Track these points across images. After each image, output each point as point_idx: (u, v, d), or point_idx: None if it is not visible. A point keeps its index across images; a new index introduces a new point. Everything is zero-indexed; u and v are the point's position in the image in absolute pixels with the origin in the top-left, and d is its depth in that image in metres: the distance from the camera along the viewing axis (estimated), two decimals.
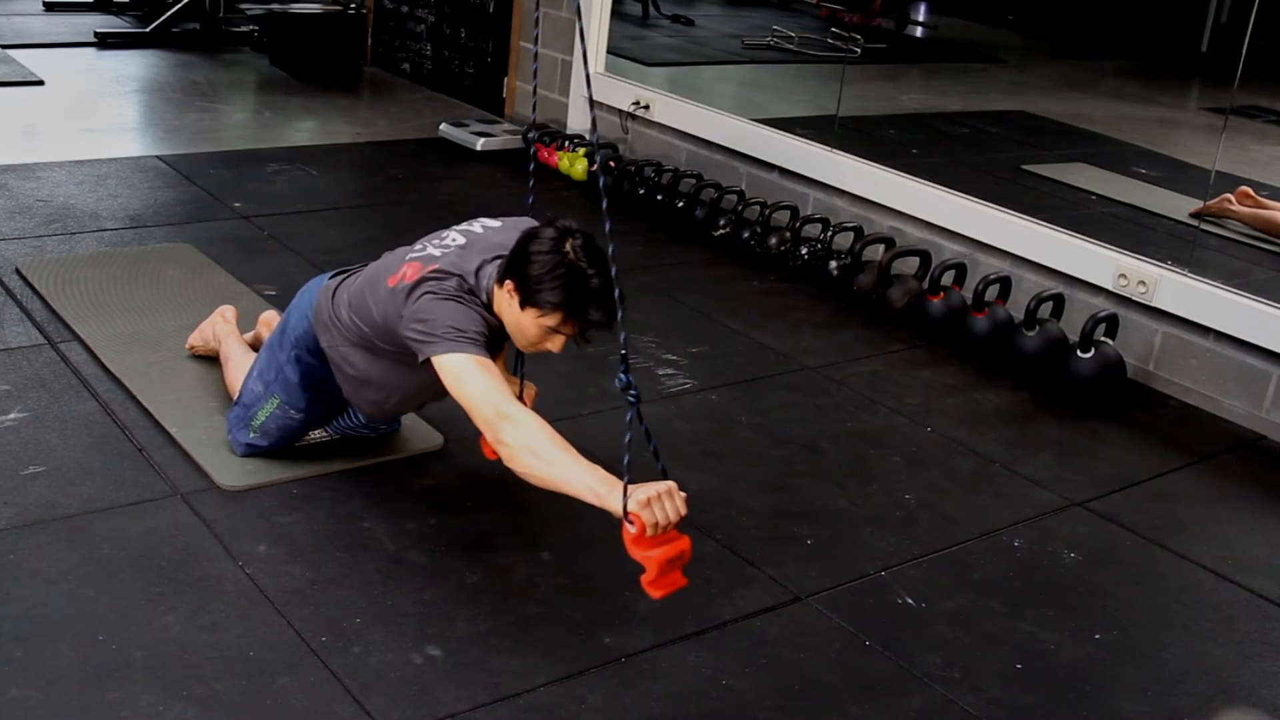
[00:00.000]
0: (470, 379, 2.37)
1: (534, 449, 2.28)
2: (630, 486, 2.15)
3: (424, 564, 2.64)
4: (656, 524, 2.14)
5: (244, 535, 2.67)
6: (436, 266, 2.53)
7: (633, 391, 2.22)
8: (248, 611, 2.43)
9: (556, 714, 2.26)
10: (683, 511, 2.17)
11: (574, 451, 2.28)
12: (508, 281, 2.45)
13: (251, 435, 2.91)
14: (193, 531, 2.66)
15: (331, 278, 2.85)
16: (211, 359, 3.33)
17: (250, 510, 2.76)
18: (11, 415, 3.02)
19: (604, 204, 2.20)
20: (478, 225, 2.71)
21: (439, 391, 2.53)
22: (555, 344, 2.49)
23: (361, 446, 3.04)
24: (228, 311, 3.34)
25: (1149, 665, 2.60)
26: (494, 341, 2.54)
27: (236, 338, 3.24)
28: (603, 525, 2.85)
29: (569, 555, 2.73)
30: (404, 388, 2.75)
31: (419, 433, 3.15)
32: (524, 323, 2.45)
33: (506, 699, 2.28)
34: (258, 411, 2.89)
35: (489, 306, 2.52)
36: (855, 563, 2.84)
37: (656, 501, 2.14)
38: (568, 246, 2.39)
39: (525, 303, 2.42)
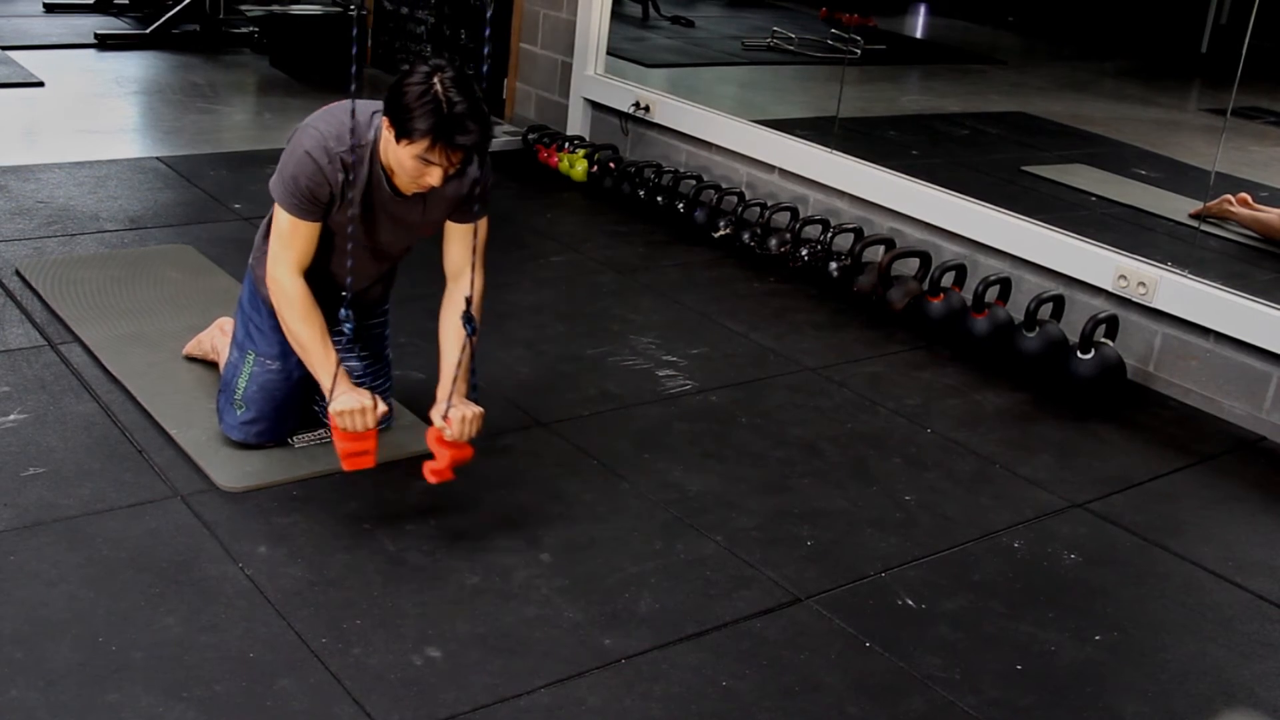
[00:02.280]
0: (277, 236, 2.73)
1: (287, 322, 2.72)
2: (342, 389, 2.64)
3: (424, 565, 2.64)
4: (345, 428, 2.64)
5: (244, 536, 2.67)
6: (335, 105, 2.71)
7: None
8: (248, 613, 2.43)
9: (556, 715, 2.26)
10: (370, 426, 2.65)
11: (317, 335, 2.69)
12: (385, 118, 2.58)
13: (239, 411, 2.92)
14: (193, 533, 2.66)
15: None
16: (209, 363, 3.33)
17: (250, 511, 2.76)
18: (11, 417, 3.02)
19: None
20: None
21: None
22: (434, 176, 2.58)
23: None
24: (227, 324, 3.33)
25: (1149, 666, 2.60)
26: (371, 195, 2.70)
27: None
28: (603, 527, 2.86)
29: (569, 557, 2.73)
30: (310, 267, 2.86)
31: (419, 434, 3.15)
32: (400, 155, 2.56)
33: (506, 700, 2.28)
34: (238, 380, 2.93)
35: (374, 151, 2.66)
36: (855, 564, 2.84)
37: (349, 414, 2.62)
38: (435, 79, 2.50)
39: (399, 134, 2.54)
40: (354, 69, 2.67)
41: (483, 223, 2.82)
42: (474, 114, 2.51)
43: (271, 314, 2.89)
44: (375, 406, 2.64)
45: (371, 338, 3.06)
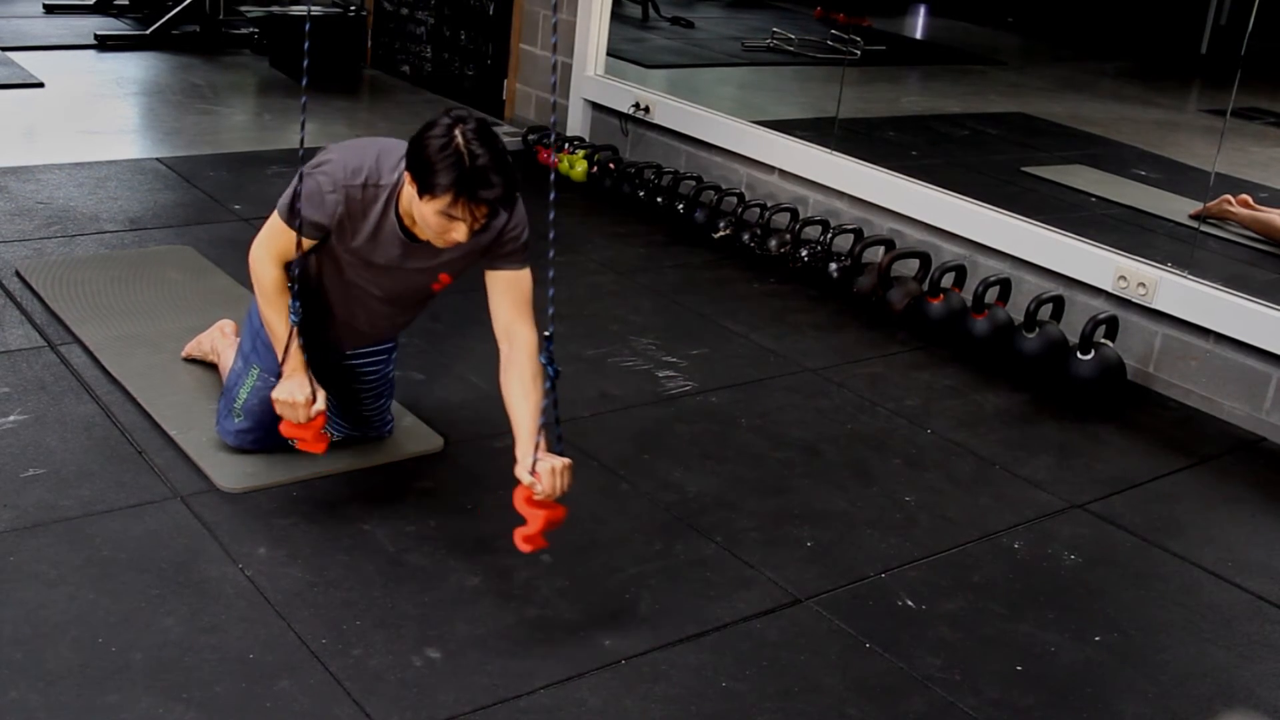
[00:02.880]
0: (265, 229, 2.74)
1: (257, 295, 2.77)
2: (288, 371, 2.68)
3: (424, 566, 2.64)
4: (279, 401, 2.66)
5: (244, 537, 2.67)
6: (369, 140, 2.71)
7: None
8: (247, 614, 2.43)
9: (556, 716, 2.26)
10: (301, 420, 2.67)
11: (278, 318, 2.71)
12: (407, 173, 2.52)
13: (236, 420, 2.92)
14: (193, 534, 2.66)
15: None
16: (209, 364, 3.33)
17: (250, 512, 2.76)
18: (11, 418, 3.02)
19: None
20: None
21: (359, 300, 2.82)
22: (459, 232, 2.50)
23: (361, 449, 3.04)
24: (227, 326, 3.34)
25: (1149, 667, 2.60)
26: (387, 240, 2.67)
27: (235, 347, 3.24)
28: (603, 529, 2.86)
29: (569, 558, 2.73)
30: (331, 287, 2.84)
31: (419, 435, 3.15)
32: (424, 212, 2.50)
33: (506, 701, 2.28)
34: (239, 390, 2.92)
35: (395, 197, 2.62)
36: (855, 565, 2.84)
37: (283, 405, 2.66)
38: (456, 131, 2.44)
39: (421, 190, 2.48)
40: (307, 67, 2.64)
41: (526, 275, 2.71)
42: (498, 167, 2.44)
43: None
44: (310, 403, 2.67)
45: (367, 375, 3.04)
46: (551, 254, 2.37)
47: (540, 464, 2.42)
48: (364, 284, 2.78)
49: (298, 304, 2.68)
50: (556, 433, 2.49)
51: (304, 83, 2.63)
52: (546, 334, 2.41)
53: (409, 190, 2.53)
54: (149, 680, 2.21)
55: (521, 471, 2.45)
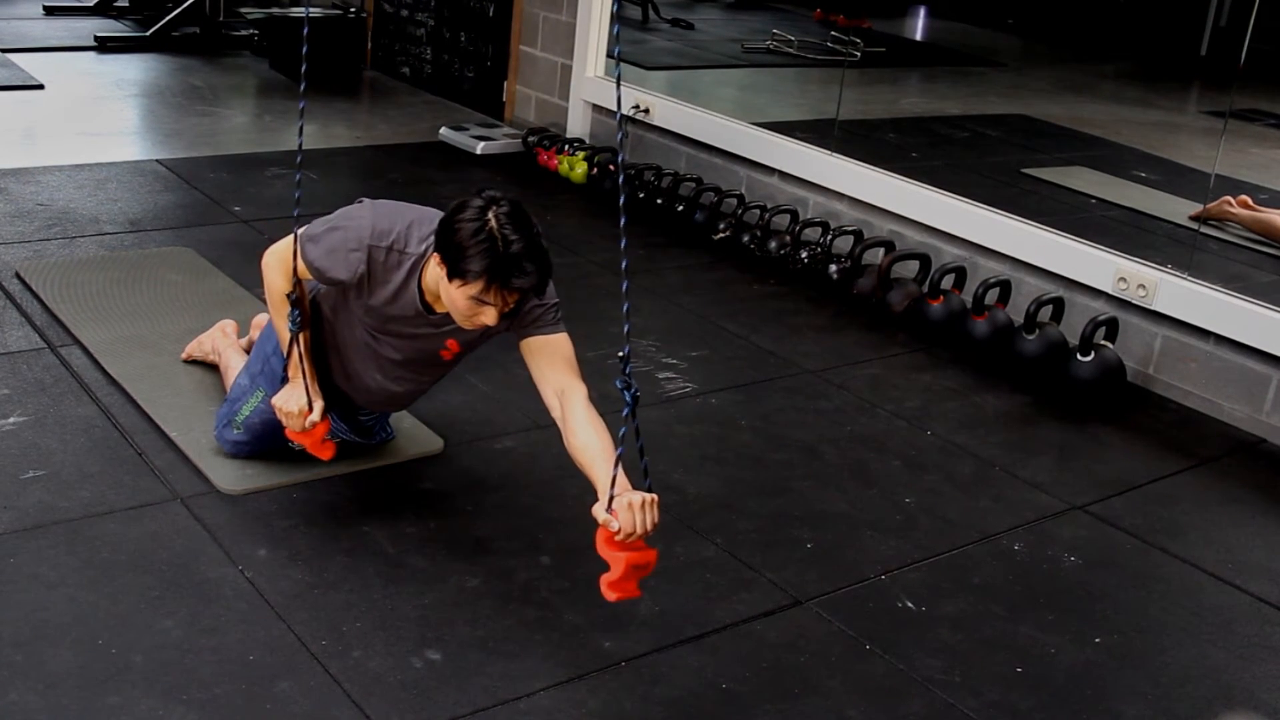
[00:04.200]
0: (284, 243, 2.69)
1: (267, 294, 2.76)
2: (292, 372, 2.68)
3: (424, 568, 2.64)
4: (278, 407, 2.67)
5: (244, 539, 2.67)
6: (403, 207, 2.66)
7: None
8: (247, 615, 2.43)
9: (556, 718, 2.26)
10: (297, 429, 2.67)
11: (285, 325, 2.69)
12: (435, 254, 2.46)
13: (235, 432, 2.92)
14: (192, 535, 2.66)
15: None
16: (209, 365, 3.33)
17: (250, 514, 2.76)
18: (11, 419, 3.02)
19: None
20: None
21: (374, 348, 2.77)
22: (489, 316, 2.44)
23: (361, 450, 3.04)
24: (228, 326, 3.34)
25: (1149, 669, 2.60)
26: (404, 308, 2.61)
27: (236, 348, 3.24)
28: None
29: (569, 559, 2.73)
30: (349, 344, 2.80)
31: (418, 437, 3.15)
32: (453, 295, 2.44)
33: (506, 703, 2.28)
34: (242, 406, 2.91)
35: (413, 268, 2.56)
36: (855, 566, 2.84)
37: (282, 413, 2.67)
38: (490, 215, 2.37)
39: (451, 274, 2.41)
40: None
41: (564, 339, 2.59)
42: (531, 254, 2.37)
43: (287, 362, 2.85)
44: (305, 415, 2.66)
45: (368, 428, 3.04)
46: (625, 264, 2.10)
47: (618, 500, 2.15)
48: (374, 337, 2.74)
49: (296, 313, 2.67)
50: (642, 465, 2.17)
51: (303, 88, 2.60)
52: (620, 354, 2.15)
53: (435, 269, 2.46)
54: (149, 682, 2.21)
55: (599, 509, 2.17)
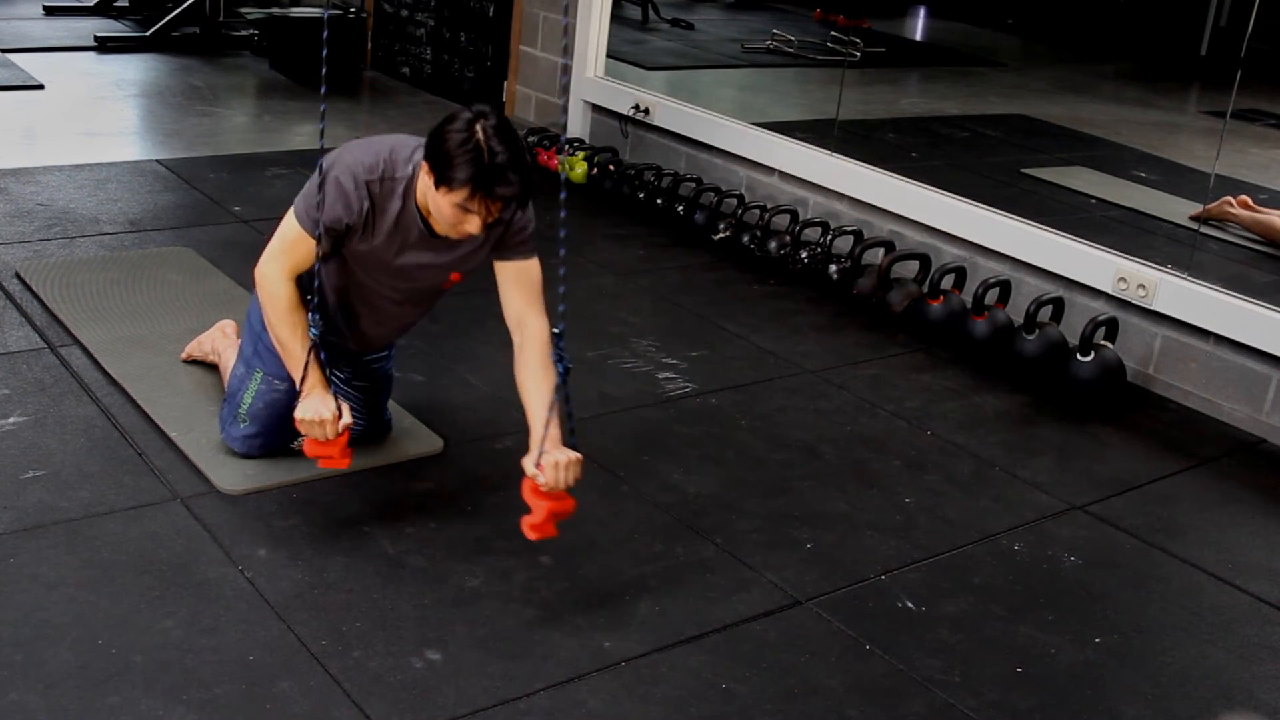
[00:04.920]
0: (279, 238, 2.70)
1: (269, 316, 2.71)
2: (307, 389, 2.65)
3: (424, 568, 2.64)
4: (303, 421, 2.62)
5: (244, 539, 2.67)
6: (381, 137, 2.70)
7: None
8: (247, 615, 2.43)
9: (556, 718, 2.26)
10: (330, 437, 2.64)
11: (295, 338, 2.67)
12: (424, 163, 2.54)
13: (242, 425, 2.91)
14: (192, 535, 2.66)
15: None
16: (210, 365, 3.33)
17: (250, 514, 2.76)
18: (11, 419, 3.02)
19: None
20: None
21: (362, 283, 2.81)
22: (472, 225, 2.53)
23: (361, 450, 3.04)
24: (228, 326, 3.34)
25: (1149, 669, 2.59)
26: (405, 231, 2.67)
27: (236, 349, 3.24)
28: (603, 530, 2.86)
29: (569, 559, 2.73)
30: (333, 285, 2.82)
31: (419, 436, 3.15)
32: (440, 203, 2.52)
33: (506, 703, 2.28)
34: (243, 395, 2.91)
35: (409, 187, 2.63)
36: (855, 566, 2.84)
37: (306, 424, 2.62)
38: (478, 126, 2.45)
39: (438, 182, 2.49)
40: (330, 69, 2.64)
41: (535, 264, 2.76)
42: (515, 165, 2.46)
43: None
44: (336, 419, 2.63)
45: (372, 372, 3.05)
46: (563, 252, 2.40)
47: (546, 457, 2.48)
48: (377, 286, 2.78)
49: (317, 316, 2.66)
50: (570, 427, 2.53)
51: (323, 90, 2.61)
52: (556, 330, 2.49)
53: (425, 180, 2.55)
54: (149, 682, 2.21)
55: (527, 463, 2.52)
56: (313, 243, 2.65)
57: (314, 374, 2.67)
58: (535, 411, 2.60)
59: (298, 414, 2.64)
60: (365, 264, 2.74)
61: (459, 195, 2.47)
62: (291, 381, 2.89)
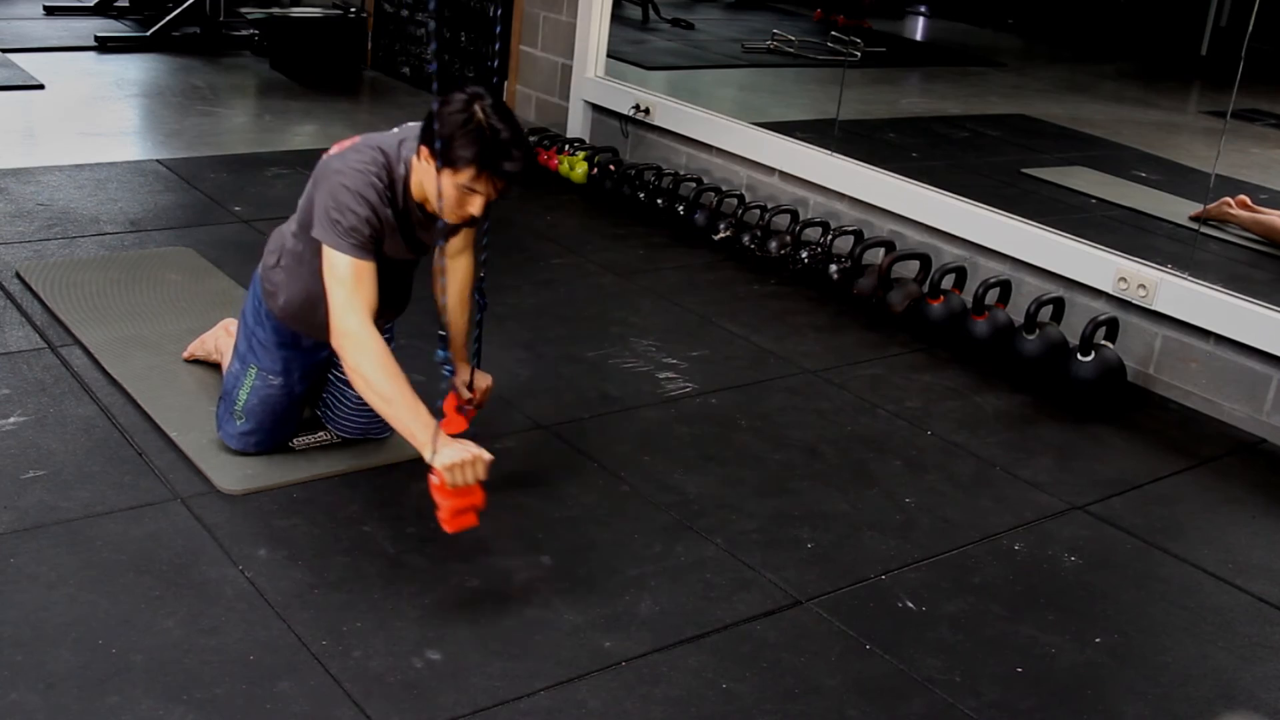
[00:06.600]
0: (338, 283, 2.54)
1: (368, 377, 2.46)
2: (443, 441, 2.40)
3: (424, 568, 2.64)
4: (455, 483, 2.41)
5: (244, 539, 2.67)
6: (359, 140, 2.67)
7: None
8: (248, 615, 2.43)
9: (556, 718, 2.26)
10: (482, 477, 2.42)
11: (404, 388, 2.46)
12: (422, 148, 2.53)
13: (238, 422, 2.91)
14: (193, 535, 2.66)
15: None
16: (212, 364, 3.33)
17: (250, 514, 2.76)
18: (11, 419, 3.02)
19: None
20: (415, 124, 2.78)
21: None
22: (475, 205, 2.52)
23: (362, 450, 3.04)
24: (231, 325, 3.33)
25: (1149, 669, 2.59)
26: (409, 228, 2.68)
27: None
28: (603, 529, 2.86)
29: (569, 559, 2.73)
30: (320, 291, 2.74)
31: None
32: (443, 186, 2.50)
33: (506, 703, 2.28)
34: (239, 392, 2.91)
35: (405, 183, 2.62)
36: (855, 566, 2.84)
37: (459, 468, 2.38)
38: (476, 107, 2.46)
39: (441, 163, 2.47)
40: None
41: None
42: (518, 141, 2.48)
43: (275, 330, 2.88)
44: (483, 454, 2.40)
45: None
46: (487, 225, 2.62)
47: (441, 454, 2.38)
48: (390, 273, 2.77)
49: (444, 354, 2.57)
50: (477, 350, 2.96)
51: (434, 75, 2.64)
52: (480, 275, 2.78)
53: (422, 166, 2.55)
54: (149, 682, 2.21)
55: (459, 383, 2.90)
56: (371, 263, 2.56)
57: (438, 426, 2.43)
58: (458, 333, 2.87)
59: (440, 462, 2.37)
60: (384, 261, 2.72)
61: (464, 175, 2.46)
62: (285, 376, 2.90)
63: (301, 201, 2.77)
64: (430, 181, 2.53)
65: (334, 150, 2.70)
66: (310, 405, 3.06)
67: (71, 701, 2.15)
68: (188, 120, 5.74)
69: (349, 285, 2.53)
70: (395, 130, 2.73)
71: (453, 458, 2.37)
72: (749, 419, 3.49)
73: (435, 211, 2.60)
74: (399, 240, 2.71)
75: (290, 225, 2.84)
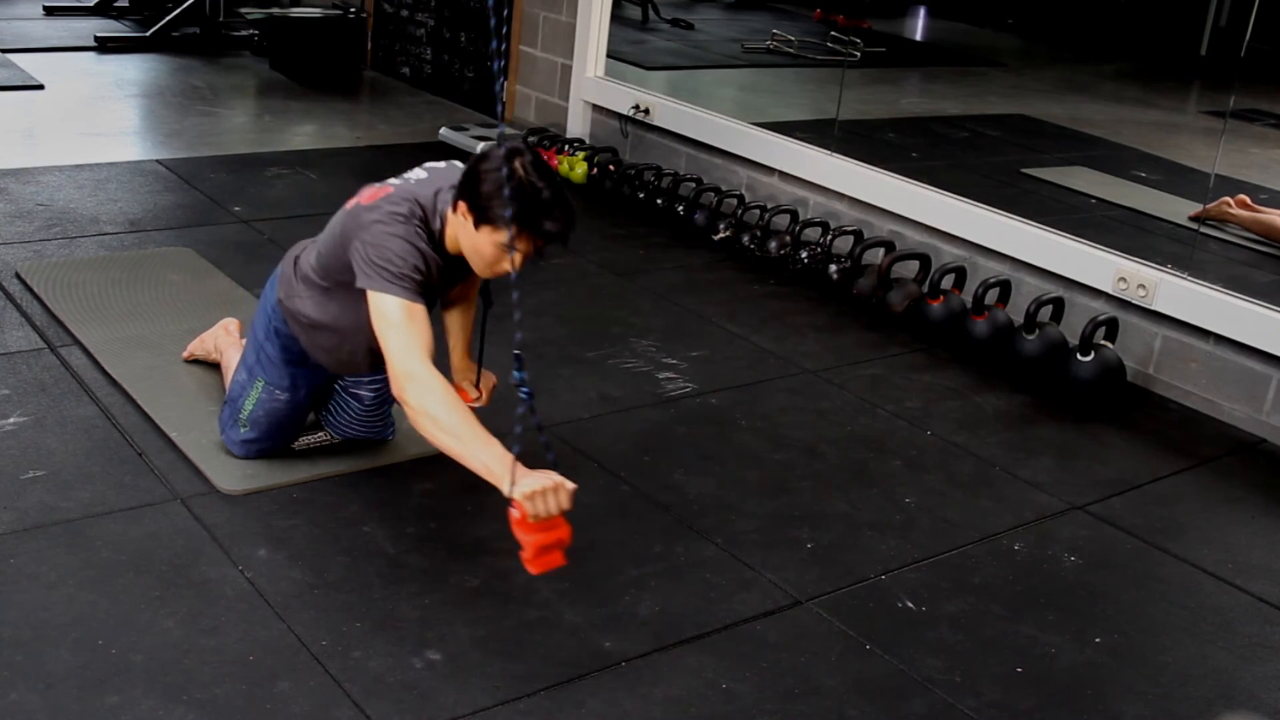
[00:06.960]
0: (392, 328, 2.45)
1: (435, 417, 2.35)
2: (521, 472, 2.24)
3: (424, 568, 2.64)
4: (537, 514, 2.24)
5: (244, 539, 2.67)
6: (393, 190, 2.62)
7: (524, 390, 2.27)
8: (248, 615, 2.43)
9: (556, 718, 2.26)
10: (565, 506, 2.25)
11: (473, 423, 2.34)
12: (460, 203, 2.49)
13: (242, 430, 2.91)
14: (193, 536, 2.66)
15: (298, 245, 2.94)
16: (211, 364, 3.33)
17: (250, 514, 2.76)
18: (11, 420, 3.02)
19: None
20: (440, 163, 2.77)
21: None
22: (512, 263, 2.43)
23: (362, 450, 3.04)
24: (231, 324, 3.34)
25: (1149, 669, 2.60)
26: (447, 277, 2.66)
27: (238, 346, 3.24)
28: (603, 529, 2.86)
29: (569, 559, 2.72)
30: (350, 327, 2.73)
31: (419, 437, 3.14)
32: (479, 243, 2.48)
33: (506, 703, 2.28)
34: (244, 402, 2.90)
35: (440, 236, 2.58)
36: (855, 566, 2.84)
37: (540, 496, 2.23)
38: (516, 164, 2.42)
39: (479, 221, 2.45)
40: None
41: None
42: (560, 200, 2.45)
43: (284, 348, 2.86)
44: (565, 483, 2.25)
45: (377, 379, 3.01)
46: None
47: (520, 485, 2.22)
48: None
49: (523, 374, 2.26)
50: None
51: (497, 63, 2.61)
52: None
53: (458, 221, 2.51)
54: (149, 682, 2.21)
55: (467, 386, 2.91)
56: (423, 306, 2.49)
57: (517, 465, 2.27)
58: (460, 334, 2.94)
59: (521, 493, 2.22)
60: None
61: (503, 234, 2.41)
62: (291, 392, 2.88)
63: (323, 248, 2.71)
64: (467, 237, 2.50)
65: (365, 200, 2.62)
66: (313, 410, 3.06)
67: (71, 701, 2.15)
68: (187, 120, 5.74)
69: (404, 329, 2.45)
70: (422, 174, 2.67)
71: (533, 486, 2.22)
72: (749, 419, 3.49)
73: (476, 270, 2.59)
74: (434, 292, 2.67)
75: (307, 264, 2.78)
